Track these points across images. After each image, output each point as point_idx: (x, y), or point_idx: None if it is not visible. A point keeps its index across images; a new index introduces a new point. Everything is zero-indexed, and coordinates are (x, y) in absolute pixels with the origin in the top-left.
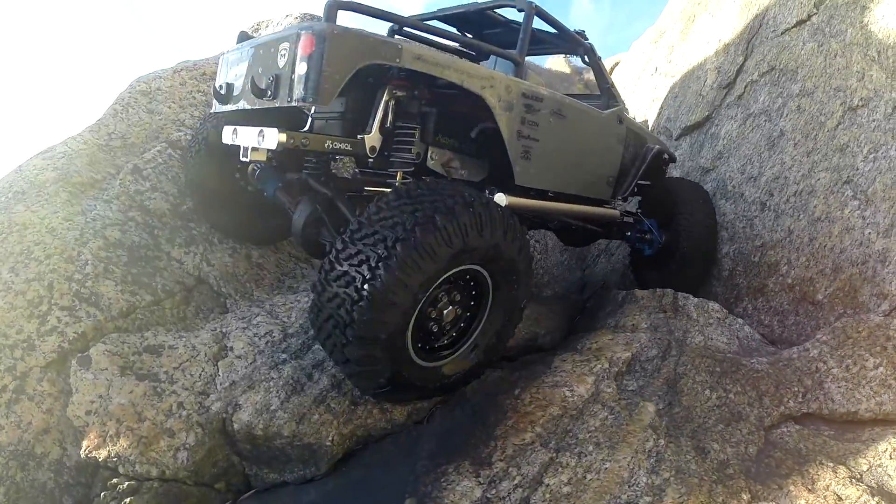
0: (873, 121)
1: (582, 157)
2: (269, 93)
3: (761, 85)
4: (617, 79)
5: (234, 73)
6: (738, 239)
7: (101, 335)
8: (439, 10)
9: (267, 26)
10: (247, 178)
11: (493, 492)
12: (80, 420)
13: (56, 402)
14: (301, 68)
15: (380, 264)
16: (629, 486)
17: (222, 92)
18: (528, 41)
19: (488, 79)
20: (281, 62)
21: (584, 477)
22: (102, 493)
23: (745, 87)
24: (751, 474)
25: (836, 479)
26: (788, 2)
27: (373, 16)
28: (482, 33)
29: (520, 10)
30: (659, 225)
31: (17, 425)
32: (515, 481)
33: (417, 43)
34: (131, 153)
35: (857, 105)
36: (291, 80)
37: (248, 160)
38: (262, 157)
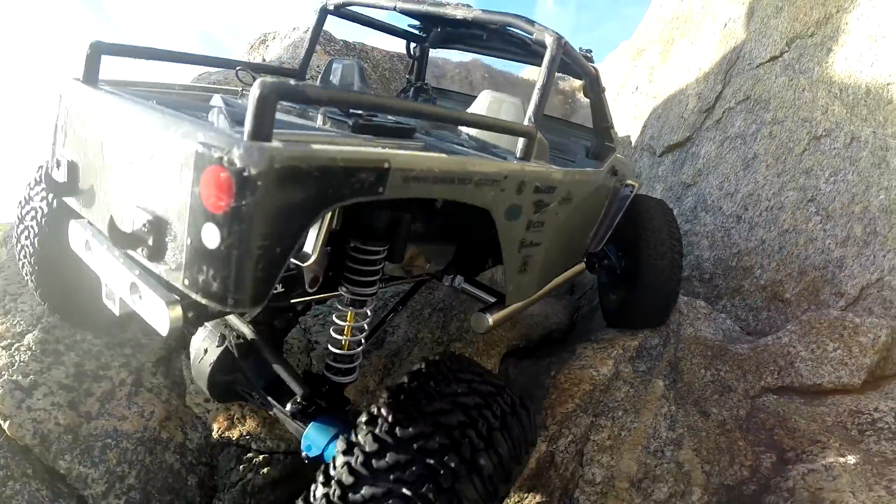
0: (834, 149)
1: (575, 237)
2: (143, 251)
3: (738, 112)
4: None
5: (84, 144)
6: (718, 247)
7: None
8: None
9: (274, 38)
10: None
11: (555, 446)
12: (201, 408)
13: (172, 393)
14: (210, 237)
15: None
16: (654, 439)
17: (59, 177)
18: (547, 97)
19: (498, 183)
20: (164, 192)
21: (620, 434)
22: (241, 466)
23: (724, 112)
24: (744, 429)
25: (810, 430)
26: (763, 38)
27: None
28: (444, 30)
29: (537, 45)
30: (620, 250)
31: (140, 415)
32: (569, 438)
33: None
34: None
35: (821, 135)
36: (188, 252)
37: (116, 311)
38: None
